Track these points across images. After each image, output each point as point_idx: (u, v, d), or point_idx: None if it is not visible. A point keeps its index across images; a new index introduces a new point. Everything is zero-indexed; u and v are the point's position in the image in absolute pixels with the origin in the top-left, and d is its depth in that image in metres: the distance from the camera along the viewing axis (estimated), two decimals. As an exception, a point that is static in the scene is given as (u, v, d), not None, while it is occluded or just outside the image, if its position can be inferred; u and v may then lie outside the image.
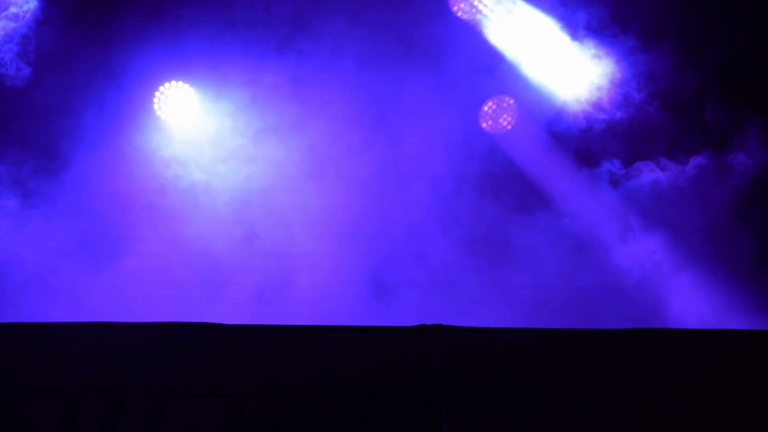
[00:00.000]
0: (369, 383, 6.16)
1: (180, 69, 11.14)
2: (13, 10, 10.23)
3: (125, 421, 6.03)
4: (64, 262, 10.33)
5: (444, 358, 6.29)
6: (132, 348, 6.29)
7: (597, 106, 11.31)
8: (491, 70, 11.51)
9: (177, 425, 6.05)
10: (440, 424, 6.05)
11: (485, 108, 11.78)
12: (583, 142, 11.52)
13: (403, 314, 10.29)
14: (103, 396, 6.08)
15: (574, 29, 11.28)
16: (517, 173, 11.70)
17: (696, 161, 11.10)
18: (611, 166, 11.39)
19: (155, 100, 11.26)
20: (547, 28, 11.44)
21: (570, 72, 11.42)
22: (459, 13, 11.45)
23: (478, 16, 11.54)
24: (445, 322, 6.44)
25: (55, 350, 6.21)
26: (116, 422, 6.01)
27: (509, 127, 11.79)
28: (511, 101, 11.71)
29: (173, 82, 11.24)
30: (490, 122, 11.80)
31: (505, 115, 11.78)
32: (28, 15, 10.26)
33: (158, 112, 11.28)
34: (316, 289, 10.59)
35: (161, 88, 11.25)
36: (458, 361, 6.33)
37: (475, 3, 11.49)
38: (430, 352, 6.31)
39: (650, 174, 11.24)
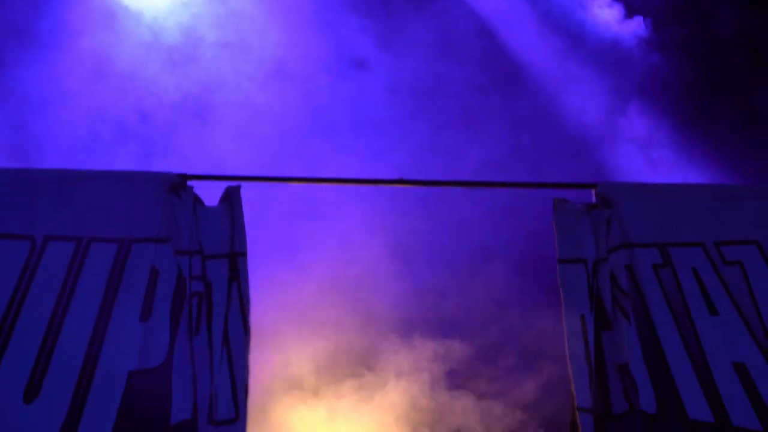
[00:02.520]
0: None
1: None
2: None
3: (90, 267, 6.13)
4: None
5: None
6: (98, 196, 6.31)
7: None
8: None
9: (141, 270, 6.18)
10: None
11: None
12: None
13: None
14: (68, 243, 6.14)
15: None
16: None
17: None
18: None
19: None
20: None
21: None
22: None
23: None
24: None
25: (19, 196, 6.19)
26: (81, 268, 6.11)
27: None
28: None
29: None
30: None
31: None
32: None
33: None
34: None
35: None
36: None
37: None
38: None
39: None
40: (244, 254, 6.41)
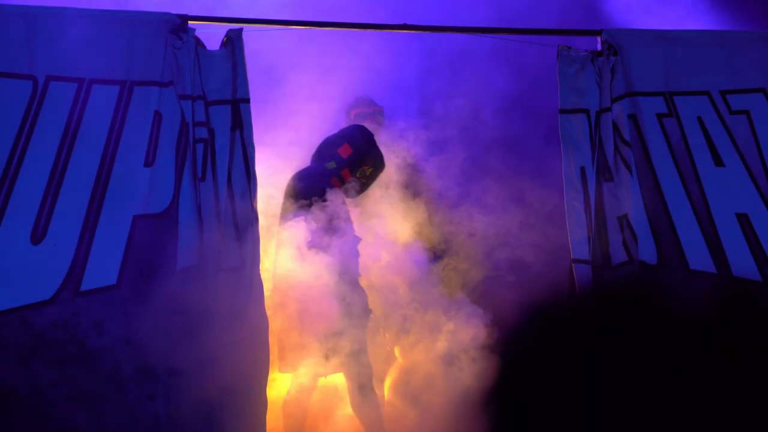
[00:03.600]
0: None
1: None
2: None
3: (92, 109, 6.04)
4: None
5: None
6: (95, 36, 6.11)
7: None
8: None
9: (144, 114, 6.10)
10: None
11: None
12: None
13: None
14: (70, 83, 6.03)
15: None
16: None
17: None
18: None
19: None
20: None
21: None
22: None
23: None
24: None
25: (15, 33, 5.99)
26: (83, 110, 6.03)
27: None
28: None
29: None
30: None
31: None
32: None
33: None
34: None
35: None
36: None
37: None
38: None
39: None
40: (246, 101, 6.31)
